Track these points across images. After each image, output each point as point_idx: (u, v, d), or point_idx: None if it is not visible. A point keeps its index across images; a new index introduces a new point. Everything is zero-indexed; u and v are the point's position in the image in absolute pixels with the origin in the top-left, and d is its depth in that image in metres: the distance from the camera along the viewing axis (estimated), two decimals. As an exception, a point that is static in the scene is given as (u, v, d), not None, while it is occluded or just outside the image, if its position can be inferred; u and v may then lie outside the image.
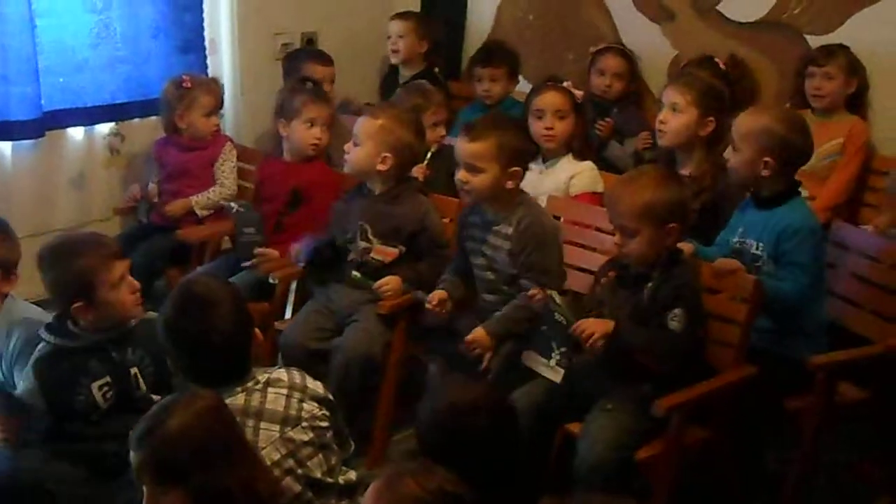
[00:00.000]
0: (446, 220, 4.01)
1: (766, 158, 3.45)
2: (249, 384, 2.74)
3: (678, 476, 3.22)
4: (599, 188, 4.19)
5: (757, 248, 3.48)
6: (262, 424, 2.69)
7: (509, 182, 3.59)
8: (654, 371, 3.16)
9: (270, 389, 2.75)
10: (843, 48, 4.62)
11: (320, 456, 2.76)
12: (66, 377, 3.05)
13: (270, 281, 4.09)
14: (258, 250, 4.19)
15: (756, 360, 3.31)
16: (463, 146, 3.62)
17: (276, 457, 2.67)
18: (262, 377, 2.77)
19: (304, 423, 2.75)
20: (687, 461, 3.26)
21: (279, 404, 2.73)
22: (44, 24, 4.50)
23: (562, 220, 3.94)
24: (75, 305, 3.02)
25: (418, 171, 4.28)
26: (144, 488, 2.38)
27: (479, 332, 3.53)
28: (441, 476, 2.31)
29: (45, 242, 3.16)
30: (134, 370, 3.11)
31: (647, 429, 3.15)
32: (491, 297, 3.69)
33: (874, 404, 3.50)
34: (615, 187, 3.37)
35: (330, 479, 2.78)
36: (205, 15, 5.11)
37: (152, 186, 4.73)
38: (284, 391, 2.76)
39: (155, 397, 3.05)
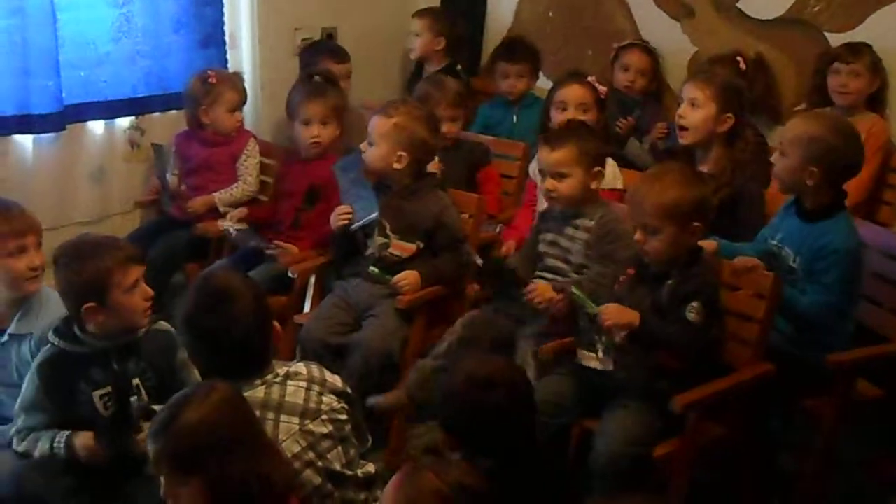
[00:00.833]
0: (465, 216, 4.02)
1: (812, 168, 3.39)
2: (269, 377, 2.76)
3: (694, 473, 3.22)
4: (619, 185, 4.19)
5: (794, 261, 3.46)
6: (283, 417, 2.71)
7: (594, 182, 3.66)
8: (672, 368, 3.17)
9: (290, 383, 2.77)
10: (867, 46, 4.60)
11: (339, 448, 2.78)
12: (66, 381, 3.03)
13: (289, 275, 4.11)
14: (276, 242, 4.23)
15: (775, 359, 3.30)
16: (546, 156, 3.69)
17: (296, 449, 2.69)
18: (282, 370, 2.79)
19: (324, 416, 2.77)
20: (703, 458, 3.26)
21: (299, 397, 2.75)
22: (65, 18, 4.51)
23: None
24: (87, 306, 2.97)
25: (433, 167, 4.30)
26: (162, 480, 2.40)
27: (541, 285, 3.57)
28: (460, 470, 2.35)
29: (61, 242, 3.13)
30: (136, 381, 3.07)
31: (663, 425, 3.16)
32: (548, 275, 3.71)
33: (891, 402, 3.49)
34: (640, 185, 3.35)
35: (349, 472, 2.80)
36: (225, 9, 5.13)
37: (172, 178, 4.75)
38: (304, 384, 2.78)
39: (156, 408, 3.06)
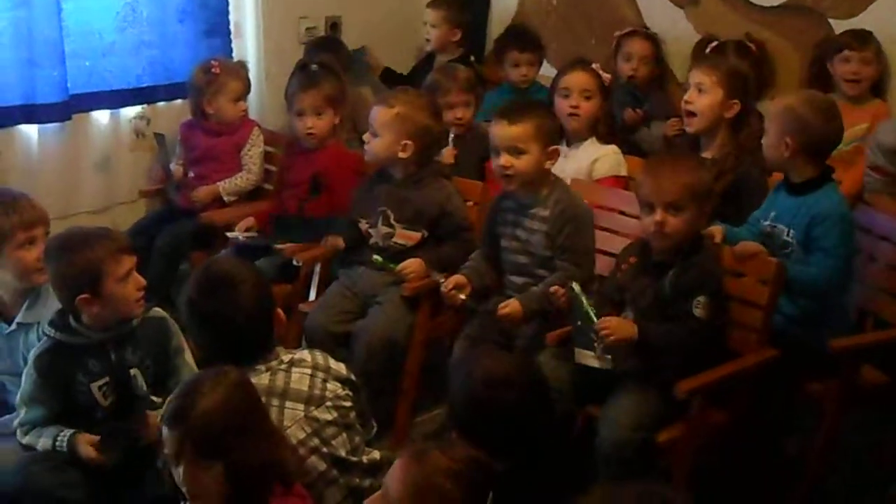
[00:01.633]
0: (470, 204, 4.03)
1: (787, 139, 3.45)
2: (274, 364, 2.77)
3: (698, 458, 3.23)
4: (623, 172, 4.19)
5: (788, 235, 3.47)
6: (287, 404, 2.72)
7: (548, 162, 3.60)
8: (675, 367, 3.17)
9: (295, 369, 2.78)
10: (870, 33, 4.61)
11: (344, 435, 2.79)
12: (63, 373, 3.03)
13: (294, 263, 4.12)
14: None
15: (779, 344, 3.30)
16: (502, 131, 3.60)
17: (301, 435, 2.71)
18: (287, 357, 2.80)
19: (329, 403, 2.78)
20: (707, 444, 3.27)
21: (303, 384, 2.76)
22: (70, 8, 4.52)
23: (585, 203, 3.94)
24: (81, 297, 2.97)
25: (449, 155, 4.30)
26: (182, 468, 2.38)
27: (513, 305, 3.53)
28: (465, 447, 2.31)
29: (53, 235, 3.14)
30: (134, 371, 3.08)
31: (667, 411, 3.16)
32: (519, 278, 3.68)
33: (896, 388, 3.50)
34: (653, 166, 3.35)
35: (354, 458, 2.81)
36: (230, -1, 5.14)
37: (177, 168, 4.76)
38: (308, 371, 2.79)
39: (156, 399, 3.07)
